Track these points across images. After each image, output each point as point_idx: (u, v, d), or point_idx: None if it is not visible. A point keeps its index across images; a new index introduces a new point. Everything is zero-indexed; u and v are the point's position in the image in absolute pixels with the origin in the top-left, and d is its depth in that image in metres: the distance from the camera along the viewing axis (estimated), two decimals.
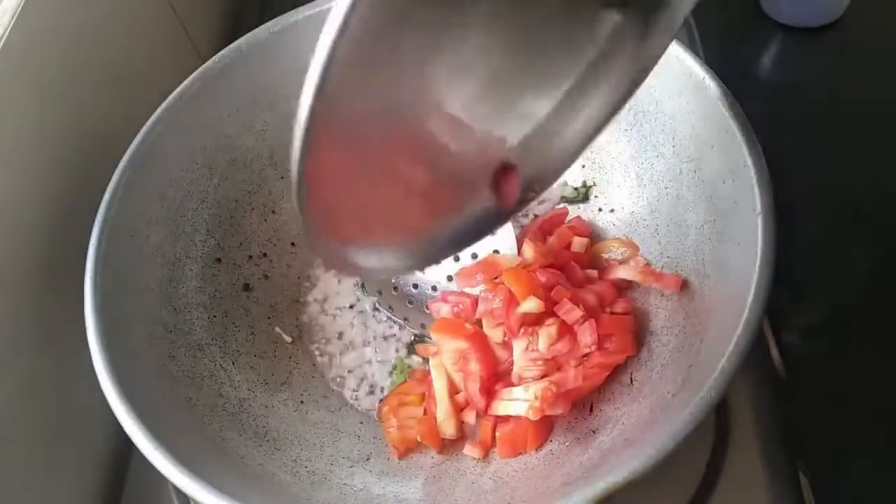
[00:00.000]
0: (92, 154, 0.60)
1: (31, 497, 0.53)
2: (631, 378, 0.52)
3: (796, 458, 0.54)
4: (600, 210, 0.63)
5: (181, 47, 0.79)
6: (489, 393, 0.53)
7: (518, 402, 0.51)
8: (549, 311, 0.52)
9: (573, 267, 0.57)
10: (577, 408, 0.53)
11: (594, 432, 0.50)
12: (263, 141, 0.64)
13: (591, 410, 0.52)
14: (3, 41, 0.52)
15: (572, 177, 0.64)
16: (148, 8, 0.73)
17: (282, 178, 0.65)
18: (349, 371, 0.61)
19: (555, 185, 0.64)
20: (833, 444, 0.56)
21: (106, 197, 0.53)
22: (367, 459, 0.54)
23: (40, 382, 0.55)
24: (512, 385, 0.53)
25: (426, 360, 0.59)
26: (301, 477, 0.51)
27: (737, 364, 0.41)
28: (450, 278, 0.62)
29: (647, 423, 0.46)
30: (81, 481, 0.58)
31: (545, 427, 0.53)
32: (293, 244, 0.65)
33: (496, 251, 0.60)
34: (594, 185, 0.64)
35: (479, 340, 0.54)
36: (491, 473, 0.51)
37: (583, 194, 0.64)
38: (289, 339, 0.62)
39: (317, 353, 0.62)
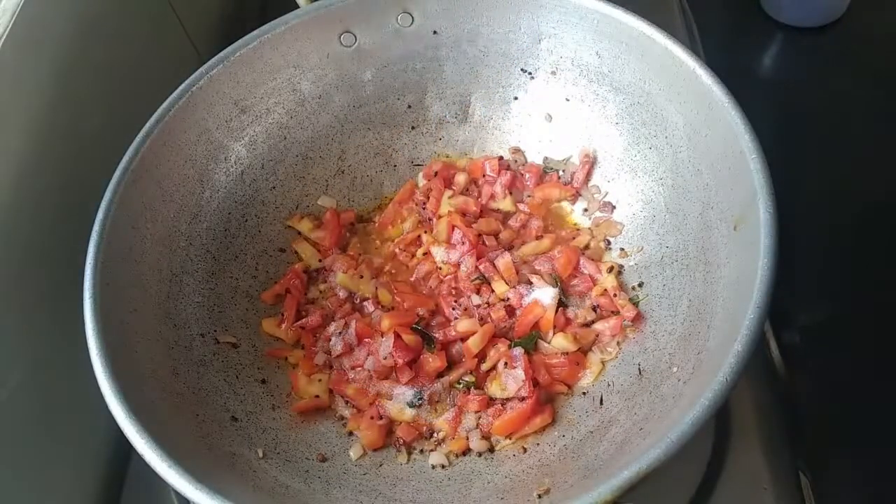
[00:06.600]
0: (92, 154, 0.59)
1: (31, 498, 0.52)
2: (639, 369, 0.52)
3: (796, 458, 0.55)
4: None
5: (181, 47, 0.78)
6: None
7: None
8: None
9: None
10: (587, 401, 0.53)
11: (606, 425, 0.50)
12: (253, 151, 0.63)
13: (602, 403, 0.52)
14: (2, 40, 0.51)
15: (566, 170, 0.65)
16: (148, 8, 0.72)
17: (273, 188, 0.65)
18: None
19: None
20: (833, 444, 0.57)
21: (99, 215, 0.52)
22: (380, 466, 0.53)
23: (40, 384, 0.54)
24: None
25: None
26: (315, 486, 0.50)
27: (751, 347, 0.41)
28: None
29: (661, 412, 0.46)
30: (81, 481, 0.57)
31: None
32: (282, 250, 0.64)
33: None
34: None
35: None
36: (506, 472, 0.51)
37: None
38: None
39: None
